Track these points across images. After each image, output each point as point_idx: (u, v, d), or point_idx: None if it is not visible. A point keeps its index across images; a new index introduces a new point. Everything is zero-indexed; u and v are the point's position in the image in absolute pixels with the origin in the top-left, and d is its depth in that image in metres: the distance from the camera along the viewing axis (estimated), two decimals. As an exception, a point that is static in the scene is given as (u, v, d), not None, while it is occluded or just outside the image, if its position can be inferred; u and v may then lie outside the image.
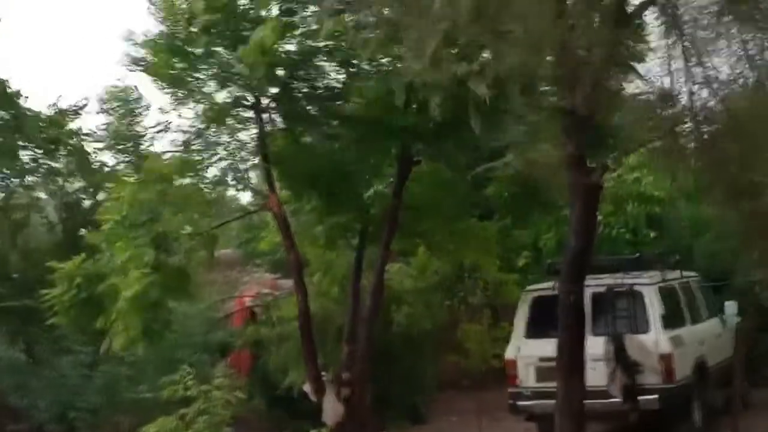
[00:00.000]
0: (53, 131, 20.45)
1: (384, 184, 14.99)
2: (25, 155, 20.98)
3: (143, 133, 22.86)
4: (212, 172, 14.29)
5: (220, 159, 14.12)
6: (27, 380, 18.37)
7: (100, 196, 20.83)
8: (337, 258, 16.95)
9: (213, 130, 13.94)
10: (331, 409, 13.88)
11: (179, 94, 13.40)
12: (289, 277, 16.16)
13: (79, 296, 14.18)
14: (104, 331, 14.01)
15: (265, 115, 13.85)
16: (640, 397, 14.49)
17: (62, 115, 20.91)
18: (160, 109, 13.51)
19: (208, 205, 14.58)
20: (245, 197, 22.72)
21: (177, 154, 14.07)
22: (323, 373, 14.49)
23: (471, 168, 14.52)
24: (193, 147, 13.94)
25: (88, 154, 20.73)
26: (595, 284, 14.51)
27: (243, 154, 14.30)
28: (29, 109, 20.67)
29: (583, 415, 12.79)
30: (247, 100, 13.66)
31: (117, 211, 14.01)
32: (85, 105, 21.13)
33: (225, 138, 14.10)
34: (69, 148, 20.66)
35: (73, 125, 21.26)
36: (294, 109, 13.38)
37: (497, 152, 13.52)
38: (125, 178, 14.04)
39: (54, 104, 21.05)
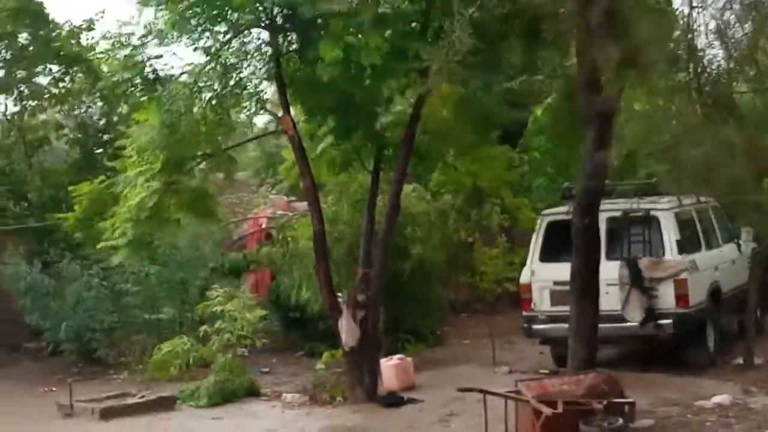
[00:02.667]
0: (71, 48, 20.28)
1: (401, 107, 14.86)
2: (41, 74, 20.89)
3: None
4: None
5: (236, 81, 13.92)
6: (45, 299, 18.48)
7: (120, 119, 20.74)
8: (352, 180, 16.93)
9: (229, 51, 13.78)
10: (347, 330, 13.94)
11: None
12: (304, 199, 16.16)
13: (94, 216, 14.27)
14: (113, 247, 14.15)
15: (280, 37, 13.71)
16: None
17: (76, 32, 20.71)
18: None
19: (224, 126, 14.47)
20: (260, 121, 22.69)
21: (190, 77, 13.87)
22: (338, 295, 14.54)
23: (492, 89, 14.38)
24: (208, 69, 13.74)
25: (104, 72, 20.55)
26: (610, 208, 14.49)
27: (258, 75, 14.12)
28: (53, 22, 20.48)
29: (596, 339, 12.89)
30: (262, 21, 13.50)
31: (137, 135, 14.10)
32: (98, 20, 20.85)
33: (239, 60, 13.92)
34: (85, 65, 20.48)
35: (88, 41, 21.12)
36: (308, 31, 13.20)
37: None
38: (144, 100, 13.90)
39: (68, 21, 20.86)
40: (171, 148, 13.57)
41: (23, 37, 20.20)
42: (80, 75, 20.80)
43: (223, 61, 13.48)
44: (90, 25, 20.75)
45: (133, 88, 13.78)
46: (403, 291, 17.43)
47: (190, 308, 17.98)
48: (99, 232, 14.23)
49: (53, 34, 20.13)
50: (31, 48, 20.17)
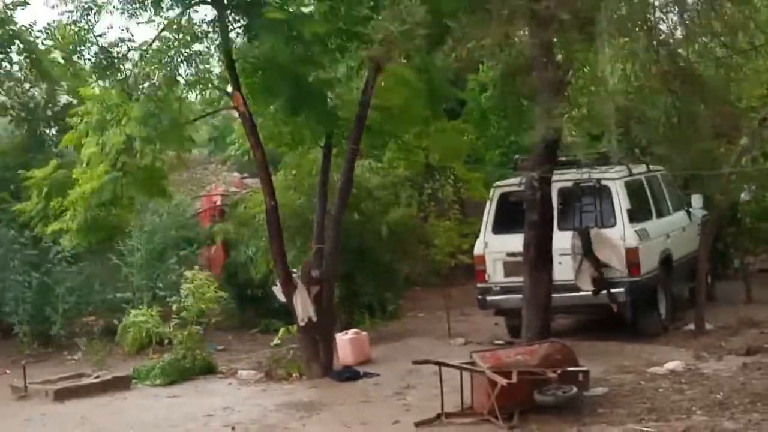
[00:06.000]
0: (4, 31, 19.82)
1: (352, 87, 14.82)
2: None
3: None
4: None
5: (185, 60, 13.77)
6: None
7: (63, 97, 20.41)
8: (304, 157, 16.89)
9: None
10: (302, 306, 13.93)
11: None
12: (256, 176, 16.09)
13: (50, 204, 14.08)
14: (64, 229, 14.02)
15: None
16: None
17: (10, 10, 20.21)
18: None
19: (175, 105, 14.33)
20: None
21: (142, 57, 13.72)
22: (293, 271, 14.52)
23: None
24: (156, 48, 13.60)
25: (42, 52, 20.12)
26: (562, 179, 14.56)
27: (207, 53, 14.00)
28: None
29: (550, 309, 12.98)
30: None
31: (86, 113, 13.95)
32: None
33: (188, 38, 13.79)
34: (22, 46, 20.04)
35: (24, 21, 20.66)
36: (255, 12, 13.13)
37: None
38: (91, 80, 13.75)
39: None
40: (131, 128, 13.43)
41: None
42: (18, 56, 20.33)
43: (173, 37, 13.38)
44: (25, 1, 20.22)
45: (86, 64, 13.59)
46: (358, 265, 17.45)
47: (153, 284, 17.95)
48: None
49: None
50: None
